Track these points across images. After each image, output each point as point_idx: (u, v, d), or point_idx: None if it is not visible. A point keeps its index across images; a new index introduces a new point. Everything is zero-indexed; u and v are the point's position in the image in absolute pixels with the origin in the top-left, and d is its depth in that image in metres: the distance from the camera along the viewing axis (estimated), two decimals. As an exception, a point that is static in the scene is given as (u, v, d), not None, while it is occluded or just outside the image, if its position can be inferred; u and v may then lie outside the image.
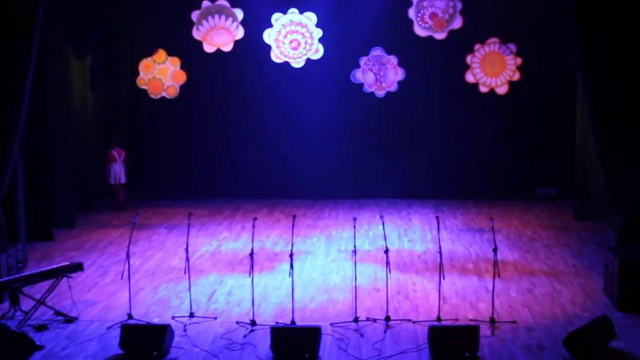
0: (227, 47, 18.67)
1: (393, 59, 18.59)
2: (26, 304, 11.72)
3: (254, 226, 11.85)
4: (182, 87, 18.97)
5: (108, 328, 11.26)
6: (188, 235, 12.03)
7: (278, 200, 19.00)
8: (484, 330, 10.79)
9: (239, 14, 18.52)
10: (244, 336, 10.96)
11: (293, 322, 11.24)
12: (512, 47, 18.21)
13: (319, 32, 18.50)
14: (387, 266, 11.49)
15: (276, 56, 18.65)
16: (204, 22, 18.60)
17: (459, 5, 18.04)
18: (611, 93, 12.84)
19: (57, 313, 11.66)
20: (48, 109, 15.95)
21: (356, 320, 11.32)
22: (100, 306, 12.15)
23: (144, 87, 18.97)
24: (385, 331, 11.05)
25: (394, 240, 15.57)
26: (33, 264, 14.20)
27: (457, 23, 18.10)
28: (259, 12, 18.57)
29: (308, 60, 18.62)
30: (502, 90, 18.35)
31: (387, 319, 11.34)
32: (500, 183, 18.90)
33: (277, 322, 11.30)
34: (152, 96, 19.03)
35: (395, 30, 18.53)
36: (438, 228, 12.01)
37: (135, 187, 19.55)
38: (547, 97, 18.61)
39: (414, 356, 10.28)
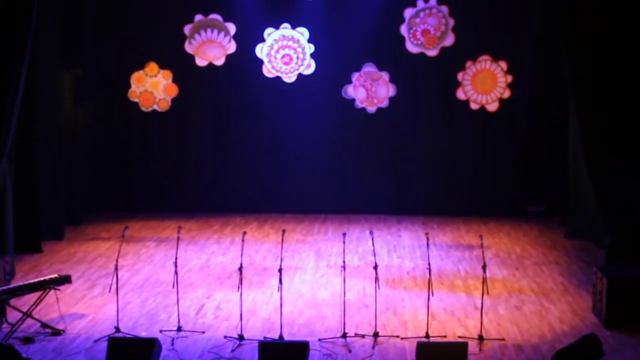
0: (219, 61, 18.74)
1: (385, 75, 18.64)
2: (13, 316, 11.66)
3: (243, 240, 11.85)
4: (173, 101, 19.00)
5: (95, 341, 11.21)
6: (177, 248, 12.00)
7: (268, 214, 18.96)
8: (472, 348, 10.79)
9: (232, 28, 18.61)
10: (232, 351, 10.94)
11: (281, 337, 11.23)
12: (503, 64, 18.32)
13: (311, 48, 18.57)
14: (376, 282, 11.49)
15: (268, 71, 18.70)
16: (196, 35, 18.66)
17: (451, 23, 18.18)
18: (602, 111, 12.90)
19: (44, 325, 11.61)
20: (38, 120, 15.93)
21: (344, 335, 11.30)
22: (87, 319, 12.10)
23: (136, 100, 18.98)
24: (373, 347, 11.03)
25: (384, 256, 15.56)
26: (20, 276, 14.11)
27: (449, 40, 18.26)
28: (252, 27, 18.64)
29: (300, 75, 18.68)
30: (492, 107, 18.45)
31: (376, 334, 11.33)
32: (490, 200, 18.86)
33: (265, 337, 11.27)
34: (144, 109, 19.03)
35: (387, 46, 18.59)
36: (427, 244, 11.99)
37: (124, 200, 19.49)
38: (537, 115, 18.63)
39: (402, 373, 10.29)
